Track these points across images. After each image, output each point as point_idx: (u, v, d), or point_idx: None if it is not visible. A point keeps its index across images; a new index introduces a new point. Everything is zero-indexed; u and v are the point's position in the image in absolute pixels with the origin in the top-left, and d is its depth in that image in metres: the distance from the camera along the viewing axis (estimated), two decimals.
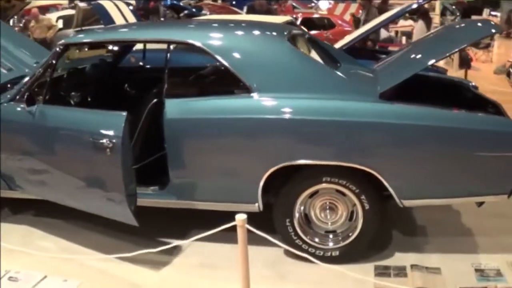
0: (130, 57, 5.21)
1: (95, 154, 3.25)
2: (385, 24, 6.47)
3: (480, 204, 3.47)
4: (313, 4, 26.37)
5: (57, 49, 3.79)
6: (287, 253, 3.49)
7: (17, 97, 3.80)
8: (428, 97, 3.34)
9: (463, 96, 3.96)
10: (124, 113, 3.22)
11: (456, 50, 3.77)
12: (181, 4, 19.88)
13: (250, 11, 9.72)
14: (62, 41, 3.87)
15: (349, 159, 3.22)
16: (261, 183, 3.31)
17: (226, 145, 3.35)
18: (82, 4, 12.27)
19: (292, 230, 3.39)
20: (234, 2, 23.30)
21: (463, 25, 4.10)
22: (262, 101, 3.29)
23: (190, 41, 3.52)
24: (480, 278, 3.32)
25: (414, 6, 6.14)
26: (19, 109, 3.72)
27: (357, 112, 3.22)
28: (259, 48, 3.54)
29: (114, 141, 3.16)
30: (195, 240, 3.03)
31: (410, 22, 14.42)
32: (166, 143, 3.41)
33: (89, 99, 4.25)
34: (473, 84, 4.28)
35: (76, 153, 3.45)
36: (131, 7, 8.51)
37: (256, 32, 3.77)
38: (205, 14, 17.34)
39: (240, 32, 3.79)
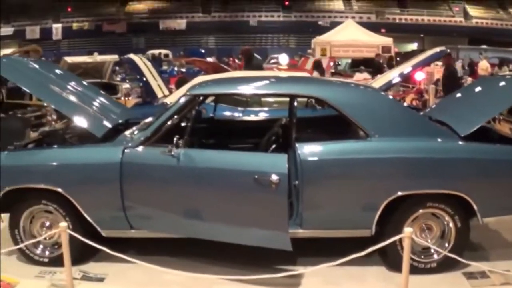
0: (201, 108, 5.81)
1: (259, 190, 3.82)
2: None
3: None
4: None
5: (185, 97, 4.32)
6: (391, 268, 4.26)
7: (148, 141, 4.18)
8: None
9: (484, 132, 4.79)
10: (285, 154, 3.89)
11: None
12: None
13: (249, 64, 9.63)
14: (191, 91, 4.37)
15: (449, 187, 4.06)
16: (379, 212, 4.06)
17: (351, 181, 4.07)
18: (69, 58, 12.65)
19: (401, 249, 4.10)
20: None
21: None
22: (379, 144, 4.09)
23: (317, 95, 4.29)
24: None
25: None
26: (157, 152, 4.08)
27: (454, 150, 4.13)
28: (371, 100, 4.36)
29: (280, 178, 3.78)
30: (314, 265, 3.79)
31: (365, 75, 15.87)
32: (298, 180, 4.07)
33: (214, 142, 4.75)
34: None
35: (235, 190, 3.96)
36: None
37: (364, 87, 4.63)
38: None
39: (353, 87, 4.65)
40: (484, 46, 23.35)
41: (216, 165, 4.02)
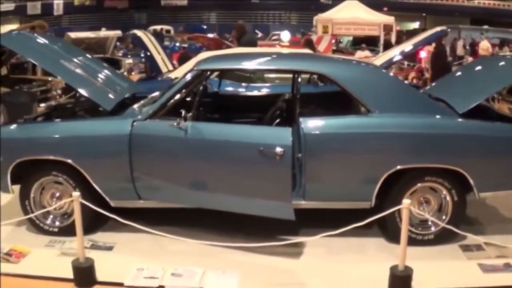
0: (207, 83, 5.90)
1: (264, 161, 3.95)
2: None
3: None
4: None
5: (193, 72, 4.44)
6: (391, 240, 4.43)
7: (156, 114, 4.30)
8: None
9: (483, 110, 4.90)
10: (290, 128, 4.01)
11: None
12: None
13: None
14: (198, 66, 4.48)
15: (447, 162, 4.20)
16: (379, 185, 4.20)
17: (352, 154, 4.21)
18: (72, 34, 12.68)
19: (399, 221, 4.26)
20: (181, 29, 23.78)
21: None
22: (380, 119, 4.22)
23: (320, 71, 4.42)
24: None
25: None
26: (165, 125, 4.20)
27: (452, 127, 4.25)
28: (373, 77, 4.49)
29: (284, 150, 3.91)
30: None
31: (367, 52, 15.91)
32: (301, 153, 4.19)
33: (220, 117, 4.90)
34: None
35: (240, 162, 4.09)
36: None
37: (365, 64, 4.73)
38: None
39: (355, 64, 4.78)
40: (485, 27, 23.35)
41: (222, 138, 4.15)
